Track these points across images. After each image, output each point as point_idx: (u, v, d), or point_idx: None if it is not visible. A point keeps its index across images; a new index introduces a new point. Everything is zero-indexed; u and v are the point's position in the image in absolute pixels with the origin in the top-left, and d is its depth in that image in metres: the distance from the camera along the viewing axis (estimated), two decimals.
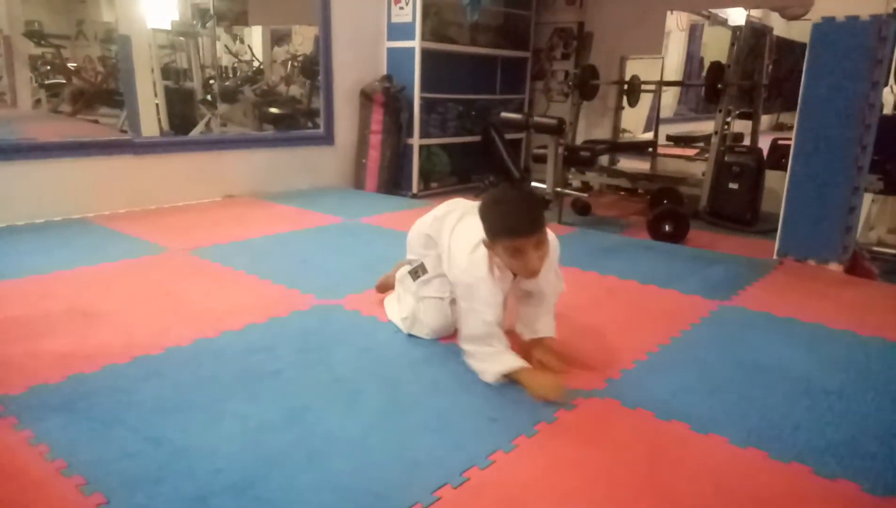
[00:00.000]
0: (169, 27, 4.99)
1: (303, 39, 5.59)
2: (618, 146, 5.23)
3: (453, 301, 1.93)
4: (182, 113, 4.83)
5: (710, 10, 5.00)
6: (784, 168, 3.03)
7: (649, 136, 5.21)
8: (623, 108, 5.24)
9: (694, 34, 5.39)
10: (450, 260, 1.84)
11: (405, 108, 4.63)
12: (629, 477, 1.31)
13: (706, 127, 4.55)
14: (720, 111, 4.14)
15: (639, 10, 5.06)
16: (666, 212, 3.68)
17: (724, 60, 4.18)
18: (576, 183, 4.86)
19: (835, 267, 2.87)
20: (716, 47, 4.89)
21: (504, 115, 4.39)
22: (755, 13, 4.57)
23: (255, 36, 5.74)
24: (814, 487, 1.29)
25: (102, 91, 5.08)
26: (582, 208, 4.34)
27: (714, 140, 4.14)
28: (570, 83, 5.09)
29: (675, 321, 2.17)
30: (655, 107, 5.25)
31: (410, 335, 1.98)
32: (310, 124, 4.98)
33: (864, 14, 2.65)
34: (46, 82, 5.16)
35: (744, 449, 1.41)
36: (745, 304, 2.38)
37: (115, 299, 2.25)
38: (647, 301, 2.41)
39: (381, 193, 4.62)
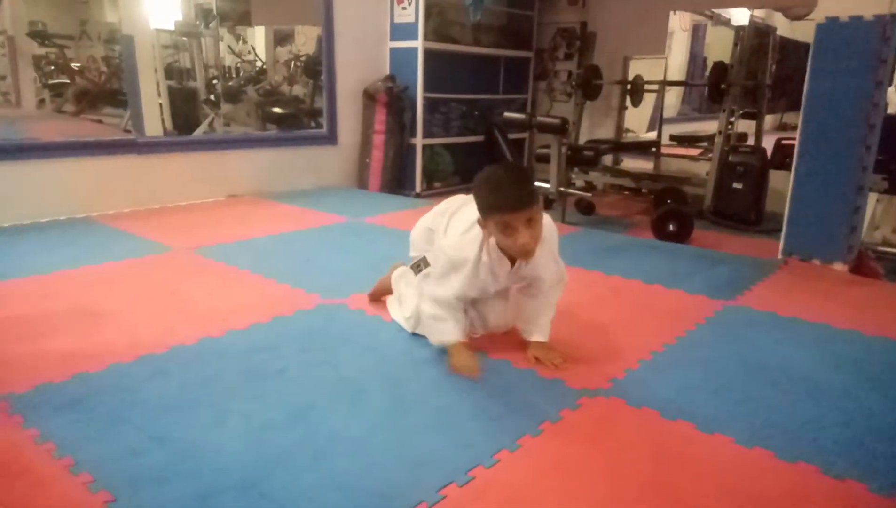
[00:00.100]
0: (172, 27, 4.99)
1: (305, 39, 5.59)
2: (621, 146, 5.22)
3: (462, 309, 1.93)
4: (185, 113, 4.83)
5: (714, 10, 4.99)
6: (788, 168, 3.03)
7: (653, 136, 5.21)
8: (626, 108, 5.23)
9: (697, 34, 5.38)
10: (444, 236, 1.86)
11: (408, 108, 4.64)
12: (634, 477, 1.30)
13: (710, 127, 4.54)
14: (724, 111, 4.13)
15: (642, 10, 5.05)
16: (670, 212, 3.68)
17: (727, 60, 4.17)
18: (579, 183, 4.86)
19: (840, 267, 2.87)
20: (719, 47, 4.88)
21: (507, 115, 4.39)
22: (758, 13, 4.57)
23: (257, 36, 5.74)
24: (820, 487, 1.29)
25: (106, 91, 5.08)
26: (586, 208, 4.34)
27: (718, 140, 4.13)
28: (574, 83, 5.09)
29: (680, 321, 2.17)
30: (659, 107, 5.24)
31: (415, 335, 1.97)
32: (313, 124, 4.98)
33: (868, 14, 2.64)
34: (50, 82, 5.15)
35: (749, 449, 1.40)
36: (750, 304, 2.38)
37: (119, 298, 2.25)
38: (651, 301, 2.41)
39: (384, 192, 4.62)
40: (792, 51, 4.81)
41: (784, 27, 4.78)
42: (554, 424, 1.49)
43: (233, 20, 5.43)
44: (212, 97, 5.10)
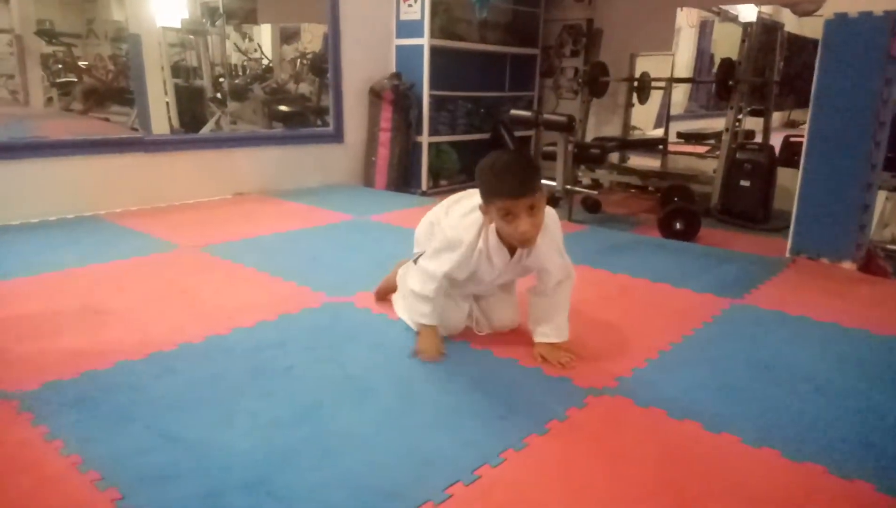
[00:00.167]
0: (179, 25, 5.01)
1: (312, 37, 5.60)
2: (628, 144, 5.20)
3: (465, 296, 1.92)
4: (192, 111, 4.84)
5: (721, 6, 4.97)
6: (796, 165, 3.01)
7: (660, 133, 5.19)
8: (633, 105, 5.21)
9: (704, 31, 5.36)
10: (445, 218, 1.87)
11: (414, 105, 4.63)
12: (641, 476, 1.30)
13: (717, 124, 4.52)
14: (731, 108, 4.11)
15: (649, 7, 5.03)
16: (677, 210, 3.67)
17: (735, 57, 4.15)
18: (586, 181, 4.85)
19: (848, 265, 2.85)
20: (726, 44, 4.86)
21: (513, 112, 4.38)
22: (766, 9, 4.54)
23: (264, 34, 5.75)
24: (828, 487, 1.28)
25: (113, 89, 5.10)
26: (592, 206, 4.33)
27: (725, 137, 4.12)
28: (580, 80, 5.07)
29: (687, 320, 2.16)
30: (666, 104, 5.22)
31: None
32: (319, 122, 4.99)
33: (878, 10, 2.62)
34: (58, 81, 5.18)
35: (757, 449, 1.40)
36: (758, 302, 2.36)
37: (127, 296, 2.26)
38: (658, 299, 2.40)
39: (390, 190, 4.62)
40: (800, 47, 4.78)
41: (792, 23, 4.75)
42: (561, 423, 1.48)
43: (239, 18, 5.44)
44: (218, 95, 5.11)
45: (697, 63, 5.40)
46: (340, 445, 1.37)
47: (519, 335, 1.94)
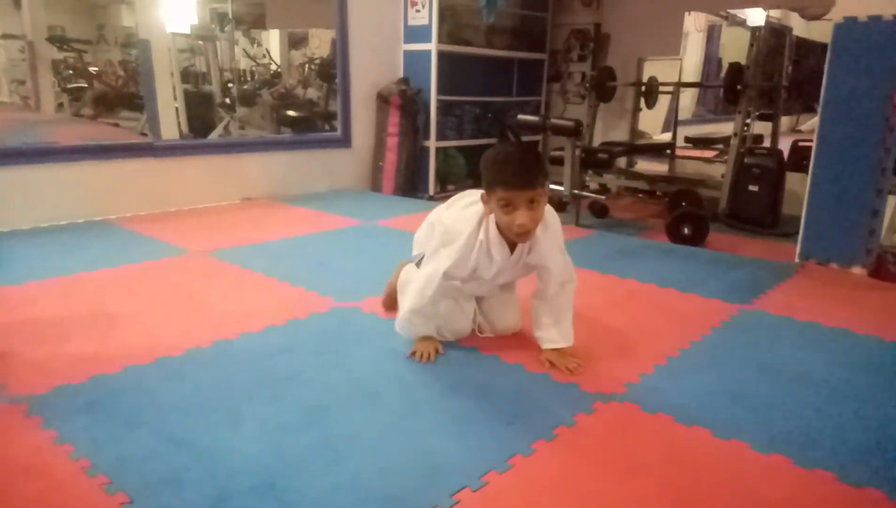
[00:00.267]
0: (188, 31, 5.05)
1: (320, 43, 5.63)
2: (635, 148, 5.19)
3: (468, 298, 1.92)
4: (201, 116, 4.88)
5: (729, 10, 4.95)
6: (805, 170, 3.00)
7: (667, 137, 5.17)
8: (640, 109, 5.20)
9: (712, 35, 5.35)
10: (445, 211, 1.87)
11: (422, 110, 4.64)
12: (649, 483, 1.29)
13: (725, 129, 4.50)
14: (739, 113, 4.09)
15: (656, 12, 5.03)
16: (685, 214, 3.65)
17: (743, 61, 4.13)
18: (593, 185, 4.84)
19: (858, 271, 2.83)
20: (734, 48, 4.85)
21: (521, 117, 4.38)
22: (774, 13, 4.53)
23: (272, 39, 5.79)
24: (839, 494, 1.27)
25: (123, 95, 5.15)
26: (599, 211, 4.32)
27: (733, 142, 4.10)
28: (587, 85, 5.07)
29: (696, 325, 2.15)
30: (673, 108, 5.21)
31: None
32: (327, 127, 5.01)
33: (887, 13, 2.61)
34: (69, 86, 5.23)
35: (767, 456, 1.39)
36: (767, 308, 2.35)
37: (136, 300, 2.28)
38: (666, 305, 2.39)
39: (397, 195, 4.63)
40: (809, 51, 4.76)
41: (800, 27, 4.73)
42: (569, 429, 1.48)
43: (248, 24, 5.48)
44: (227, 101, 5.15)
45: (705, 67, 5.39)
46: (348, 450, 1.37)
47: (526, 341, 1.94)
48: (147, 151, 3.72)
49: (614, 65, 5.08)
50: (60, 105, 5.13)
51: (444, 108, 4.79)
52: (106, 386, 1.63)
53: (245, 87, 5.44)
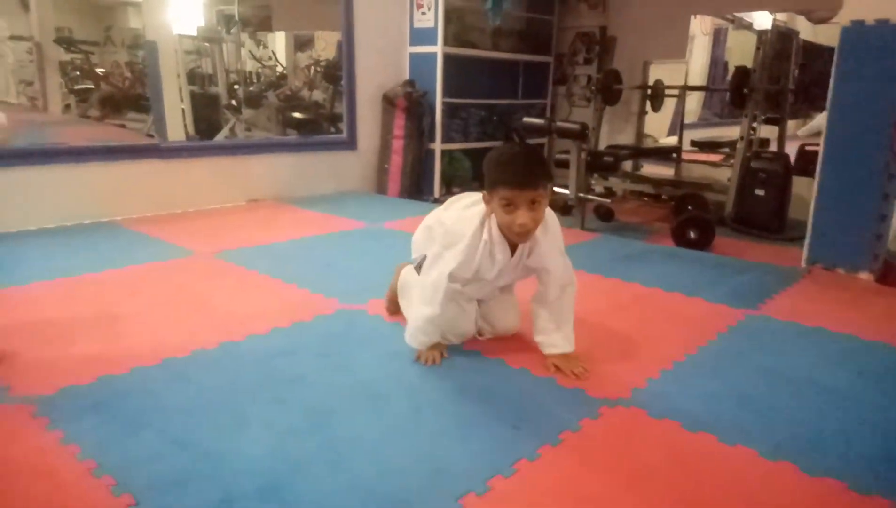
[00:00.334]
0: (195, 33, 5.06)
1: (325, 45, 5.64)
2: (641, 152, 5.18)
3: (469, 300, 1.92)
4: (207, 118, 4.89)
5: (735, 13, 4.95)
6: (812, 174, 2.98)
7: (673, 141, 5.16)
8: (646, 113, 5.20)
9: (718, 38, 5.34)
10: (445, 212, 1.87)
11: (427, 113, 4.65)
12: (655, 489, 1.29)
13: (731, 132, 4.49)
14: (746, 116, 4.08)
15: (662, 15, 5.02)
16: (691, 219, 3.64)
17: (749, 65, 4.13)
18: (599, 189, 4.83)
19: (865, 276, 2.82)
20: (741, 51, 4.83)
21: (526, 120, 4.37)
22: (781, 17, 4.51)
23: (278, 41, 5.80)
24: (846, 502, 1.26)
25: (130, 96, 5.16)
26: (605, 215, 4.31)
27: (740, 146, 4.09)
28: (593, 88, 5.06)
29: (702, 331, 2.15)
30: (679, 112, 5.20)
31: None
32: (333, 129, 5.02)
33: (895, 17, 2.60)
34: (76, 88, 5.25)
35: (773, 462, 1.38)
36: (773, 313, 2.34)
37: (142, 301, 2.28)
38: (672, 309, 2.38)
39: (403, 198, 4.63)
40: (815, 55, 4.74)
41: (807, 31, 4.71)
42: (574, 433, 1.48)
43: (254, 26, 5.50)
44: (233, 102, 5.16)
45: (711, 71, 5.38)
46: (352, 452, 1.37)
47: (530, 344, 1.93)
48: (153, 153, 3.73)
49: (620, 68, 5.08)
50: (67, 106, 5.15)
51: (449, 110, 4.80)
52: (112, 387, 1.63)
53: (251, 89, 5.45)
